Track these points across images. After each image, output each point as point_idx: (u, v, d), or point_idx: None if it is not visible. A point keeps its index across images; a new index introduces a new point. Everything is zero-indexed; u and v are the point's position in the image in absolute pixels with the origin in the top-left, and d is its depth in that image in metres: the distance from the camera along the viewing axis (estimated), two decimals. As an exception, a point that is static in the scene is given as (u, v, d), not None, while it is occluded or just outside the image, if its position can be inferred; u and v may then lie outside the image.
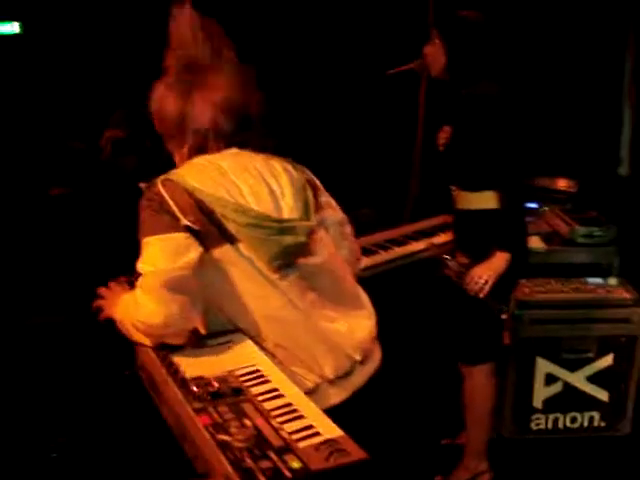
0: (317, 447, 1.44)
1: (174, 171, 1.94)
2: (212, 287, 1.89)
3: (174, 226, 1.81)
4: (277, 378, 1.74)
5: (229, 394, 1.63)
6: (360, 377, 2.01)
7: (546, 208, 3.95)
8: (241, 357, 1.83)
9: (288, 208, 1.95)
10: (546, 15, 4.77)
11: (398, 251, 3.32)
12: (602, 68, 4.94)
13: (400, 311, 3.24)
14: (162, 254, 1.80)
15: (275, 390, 1.68)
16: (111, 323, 1.99)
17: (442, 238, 3.37)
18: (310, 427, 1.52)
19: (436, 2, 4.02)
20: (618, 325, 3.33)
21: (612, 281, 3.45)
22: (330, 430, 1.51)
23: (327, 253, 2.02)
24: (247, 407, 1.59)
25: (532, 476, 3.27)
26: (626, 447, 3.42)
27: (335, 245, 2.10)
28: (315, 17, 4.98)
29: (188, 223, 1.82)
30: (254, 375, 1.74)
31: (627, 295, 3.37)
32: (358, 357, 2.01)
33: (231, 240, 1.86)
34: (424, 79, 4.03)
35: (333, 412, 1.60)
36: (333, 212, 2.15)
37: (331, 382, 1.94)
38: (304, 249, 1.94)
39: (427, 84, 4.06)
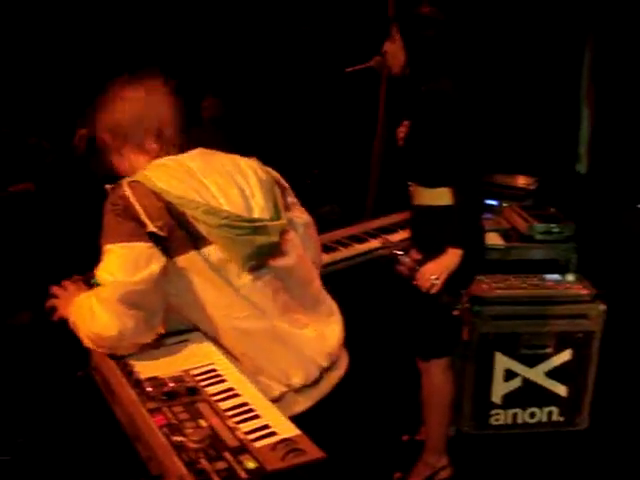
0: (273, 447, 1.43)
1: (141, 172, 1.90)
2: (176, 296, 1.86)
3: (138, 234, 1.77)
4: (233, 377, 1.73)
5: (184, 394, 1.62)
6: (327, 384, 2.00)
7: (505, 205, 3.97)
8: (198, 356, 1.81)
9: (259, 208, 1.93)
10: (507, 12, 4.80)
11: (358, 248, 3.31)
12: (560, 65, 4.99)
13: (358, 308, 3.24)
14: (122, 264, 1.76)
15: (231, 389, 1.67)
16: (64, 323, 1.95)
17: (401, 235, 3.37)
18: (266, 427, 1.51)
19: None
20: (576, 321, 3.36)
21: (570, 277, 3.48)
22: (287, 429, 1.50)
23: (296, 255, 2.01)
24: (203, 407, 1.57)
25: (492, 471, 3.28)
26: (584, 441, 3.45)
27: (303, 247, 2.09)
28: (274, 16, 4.98)
29: (155, 229, 1.78)
30: (210, 374, 1.73)
31: (584, 291, 3.39)
32: (326, 364, 1.99)
33: (200, 245, 1.82)
34: (384, 76, 4.02)
35: (298, 419, 1.59)
36: (300, 213, 2.14)
37: (297, 391, 1.92)
38: (276, 249, 1.93)
39: (387, 81, 4.06)
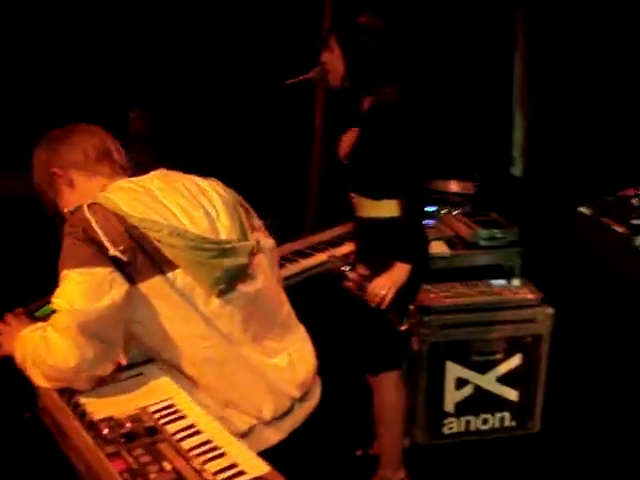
0: (244, 487, 1.36)
1: (101, 194, 1.82)
2: (139, 324, 1.77)
3: (98, 258, 1.68)
4: (194, 413, 1.65)
5: (143, 434, 1.53)
6: (299, 415, 1.93)
7: (444, 211, 3.97)
8: (154, 392, 1.73)
9: (225, 229, 1.85)
10: (436, 17, 4.82)
11: (304, 263, 3.24)
12: (492, 69, 5.04)
13: (306, 324, 3.19)
14: (82, 292, 1.66)
15: (192, 426, 1.59)
16: (8, 360, 1.83)
17: (348, 247, 3.33)
18: (234, 466, 1.44)
19: (333, 9, 3.99)
20: (524, 325, 3.37)
21: (516, 282, 3.49)
22: (255, 467, 1.44)
23: (265, 278, 1.94)
24: (164, 448, 1.49)
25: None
26: (536, 445, 3.47)
27: (270, 270, 2.02)
28: (205, 27, 4.90)
29: (117, 254, 1.69)
30: (169, 411, 1.65)
31: (531, 296, 3.42)
32: (298, 395, 1.92)
33: (165, 270, 1.74)
34: (320, 87, 3.98)
35: (270, 453, 1.52)
36: (265, 236, 2.07)
37: (267, 423, 1.84)
38: (245, 272, 1.85)
39: (324, 92, 4.02)
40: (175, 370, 1.81)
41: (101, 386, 1.74)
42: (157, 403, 1.67)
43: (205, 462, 1.44)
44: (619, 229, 3.40)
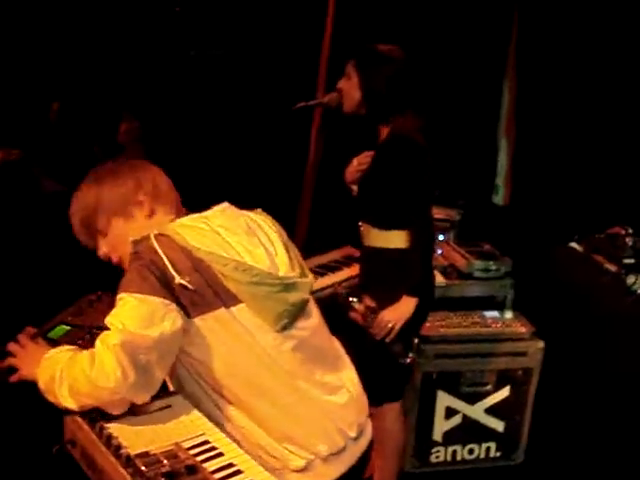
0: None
1: (168, 227, 1.81)
2: (196, 358, 1.76)
3: (158, 289, 1.67)
4: (229, 450, 1.62)
5: (184, 473, 1.50)
6: (354, 452, 1.92)
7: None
8: (185, 425, 1.70)
9: (284, 266, 1.86)
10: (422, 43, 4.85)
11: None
12: (479, 94, 5.08)
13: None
14: (135, 316, 1.66)
15: (231, 465, 1.56)
16: (27, 386, 1.79)
17: (347, 272, 3.34)
18: (280, 509, 1.42)
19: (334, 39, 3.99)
20: (515, 358, 3.41)
21: (508, 314, 3.53)
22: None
23: (317, 313, 1.96)
24: (206, 488, 1.46)
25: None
26: (519, 476, 3.50)
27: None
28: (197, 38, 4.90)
29: (183, 282, 1.69)
30: (204, 447, 1.62)
31: (523, 329, 3.45)
32: (354, 434, 1.92)
33: (228, 304, 1.74)
34: (318, 114, 3.98)
35: None
36: None
37: (324, 459, 1.82)
38: (305, 308, 1.86)
39: (321, 120, 4.01)
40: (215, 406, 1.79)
41: (129, 417, 1.71)
42: (191, 439, 1.64)
43: (249, 504, 1.43)
44: (611, 267, 3.45)
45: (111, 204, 1.92)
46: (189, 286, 1.69)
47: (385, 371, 2.85)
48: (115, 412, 1.69)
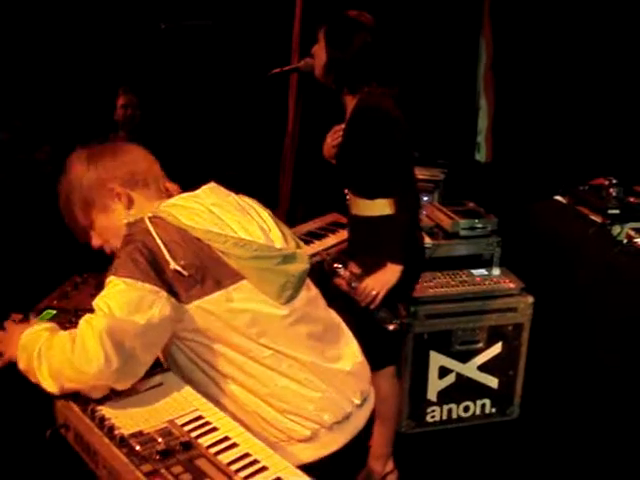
0: (292, 503, 1.35)
1: (161, 209, 1.78)
2: (192, 341, 1.75)
3: (149, 275, 1.64)
4: (224, 424, 1.61)
5: (179, 450, 1.49)
6: (358, 421, 1.91)
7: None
8: (178, 402, 1.68)
9: (279, 239, 1.86)
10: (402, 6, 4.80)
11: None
12: (457, 55, 5.05)
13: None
14: (122, 301, 1.62)
15: (227, 439, 1.55)
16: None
17: (332, 239, 3.32)
18: (278, 480, 1.41)
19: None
20: (505, 314, 3.42)
21: (496, 271, 3.53)
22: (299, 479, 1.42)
23: (313, 285, 1.96)
24: (203, 464, 1.46)
25: (432, 467, 3.30)
26: (515, 430, 3.53)
27: None
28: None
29: (177, 267, 1.66)
30: (198, 423, 1.61)
31: (512, 285, 3.46)
32: (359, 401, 1.90)
33: (227, 283, 1.71)
34: (294, 81, 3.93)
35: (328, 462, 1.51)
36: None
37: (329, 428, 1.81)
38: (304, 279, 1.86)
39: (297, 86, 3.96)
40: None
41: (121, 398, 1.69)
42: (185, 415, 1.62)
43: (247, 477, 1.42)
44: (596, 219, 3.45)
45: (85, 200, 1.89)
46: (184, 272, 1.67)
47: (375, 337, 2.84)
48: (95, 396, 1.66)
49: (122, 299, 1.63)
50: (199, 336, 1.74)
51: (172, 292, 1.67)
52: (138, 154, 1.95)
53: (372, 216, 2.78)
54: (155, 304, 1.64)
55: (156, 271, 1.65)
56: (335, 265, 2.79)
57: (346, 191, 2.89)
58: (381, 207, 2.74)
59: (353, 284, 2.71)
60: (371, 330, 2.82)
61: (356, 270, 2.76)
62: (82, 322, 1.64)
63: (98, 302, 1.65)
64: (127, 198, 1.88)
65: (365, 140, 2.66)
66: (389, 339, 2.87)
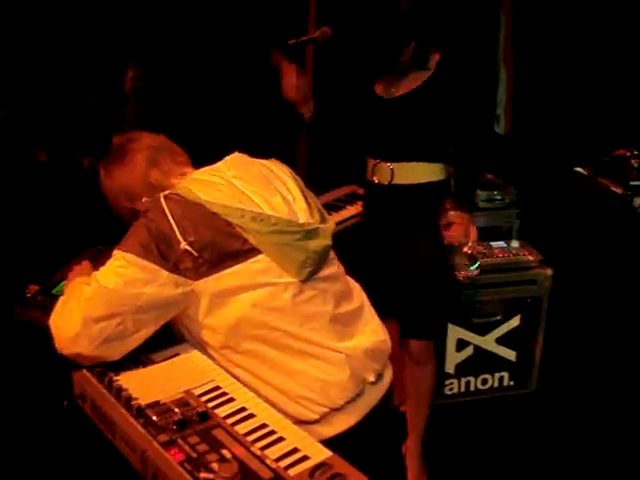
0: (310, 474, 1.33)
1: (179, 185, 1.77)
2: (200, 323, 1.73)
3: (154, 255, 1.64)
4: (241, 394, 1.61)
5: (196, 421, 1.48)
6: (372, 397, 1.88)
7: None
8: (195, 372, 1.68)
9: (303, 213, 1.82)
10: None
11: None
12: (477, 28, 4.97)
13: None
14: (119, 275, 1.63)
15: (243, 409, 1.55)
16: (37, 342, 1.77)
17: (350, 211, 3.28)
18: (295, 450, 1.40)
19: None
20: (524, 287, 3.39)
21: (515, 244, 3.50)
22: (317, 452, 1.41)
23: (337, 261, 1.92)
24: (219, 434, 1.45)
25: (450, 440, 3.29)
26: (533, 403, 3.52)
27: None
28: None
29: (187, 247, 1.64)
30: (215, 393, 1.60)
31: (531, 257, 3.43)
32: (373, 378, 1.88)
33: (244, 258, 1.69)
34: (310, 51, 3.87)
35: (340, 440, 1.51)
36: None
37: (340, 408, 1.78)
38: (326, 256, 1.82)
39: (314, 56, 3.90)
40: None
41: (138, 368, 1.69)
42: (201, 385, 1.62)
43: (264, 448, 1.40)
44: (618, 190, 3.40)
45: (130, 194, 1.91)
46: (193, 251, 1.64)
47: (440, 302, 2.80)
48: (84, 364, 1.68)
49: (118, 273, 1.63)
50: (209, 318, 1.72)
51: (178, 270, 1.65)
52: (150, 137, 1.96)
53: (432, 181, 2.66)
54: (151, 283, 1.63)
55: (160, 249, 1.64)
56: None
57: (375, 161, 2.78)
58: (441, 170, 2.67)
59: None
60: (441, 295, 2.79)
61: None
62: (74, 287, 1.67)
63: (97, 274, 1.66)
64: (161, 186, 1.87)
65: (468, 89, 2.60)
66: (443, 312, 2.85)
